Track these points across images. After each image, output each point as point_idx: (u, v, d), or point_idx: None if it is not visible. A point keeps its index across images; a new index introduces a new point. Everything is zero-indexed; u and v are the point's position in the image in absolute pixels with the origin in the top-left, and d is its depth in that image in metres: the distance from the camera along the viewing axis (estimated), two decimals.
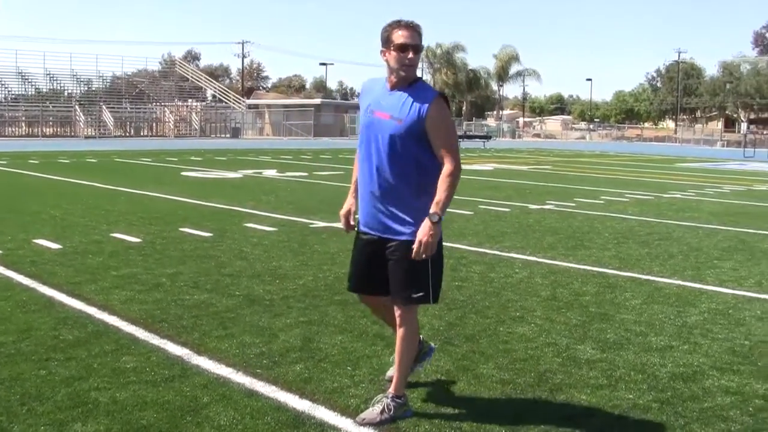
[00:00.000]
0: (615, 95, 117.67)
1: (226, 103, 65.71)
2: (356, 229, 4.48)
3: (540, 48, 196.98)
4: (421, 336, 4.82)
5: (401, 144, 4.13)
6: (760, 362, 5.38)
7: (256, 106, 73.82)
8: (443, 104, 4.17)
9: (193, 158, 29.60)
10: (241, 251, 9.24)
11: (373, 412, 4.17)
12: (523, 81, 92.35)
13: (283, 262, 8.58)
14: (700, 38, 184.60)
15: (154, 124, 59.66)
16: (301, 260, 8.74)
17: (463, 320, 6.32)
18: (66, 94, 59.94)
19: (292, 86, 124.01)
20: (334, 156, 33.95)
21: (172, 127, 58.82)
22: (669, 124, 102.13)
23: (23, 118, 55.50)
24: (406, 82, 4.21)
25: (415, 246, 4.08)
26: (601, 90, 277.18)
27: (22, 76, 60.40)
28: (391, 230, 4.23)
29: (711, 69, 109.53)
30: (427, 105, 4.10)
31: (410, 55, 4.14)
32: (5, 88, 58.97)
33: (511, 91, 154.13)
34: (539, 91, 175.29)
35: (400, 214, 4.20)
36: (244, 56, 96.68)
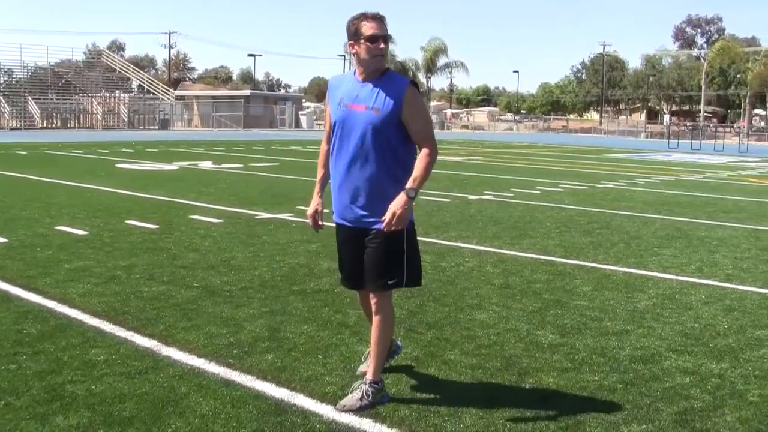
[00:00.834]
0: (540, 87, 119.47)
1: (154, 94, 64.67)
2: (335, 223, 4.54)
3: (467, 40, 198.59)
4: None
5: (379, 134, 4.22)
6: (711, 344, 5.63)
7: (184, 98, 72.84)
8: (416, 91, 4.29)
9: (124, 150, 29.13)
10: (191, 243, 9.20)
11: (352, 398, 4.26)
12: (450, 73, 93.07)
13: (235, 254, 8.59)
14: (624, 32, 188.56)
15: (81, 116, 58.37)
16: (253, 251, 8.75)
17: (423, 308, 6.44)
18: None
19: (219, 77, 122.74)
20: (266, 147, 33.80)
21: (100, 118, 57.66)
22: (594, 115, 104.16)
23: None
24: (377, 72, 4.30)
25: (387, 216, 4.11)
26: (527, 82, 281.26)
27: None
28: (369, 221, 4.32)
29: (634, 62, 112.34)
30: (402, 93, 4.22)
31: (381, 45, 4.23)
32: None
33: (437, 83, 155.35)
34: (466, 83, 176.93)
35: (377, 204, 4.28)
36: (171, 47, 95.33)
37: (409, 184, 4.19)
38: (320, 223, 4.62)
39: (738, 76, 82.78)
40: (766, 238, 10.76)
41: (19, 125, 51.90)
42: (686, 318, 6.31)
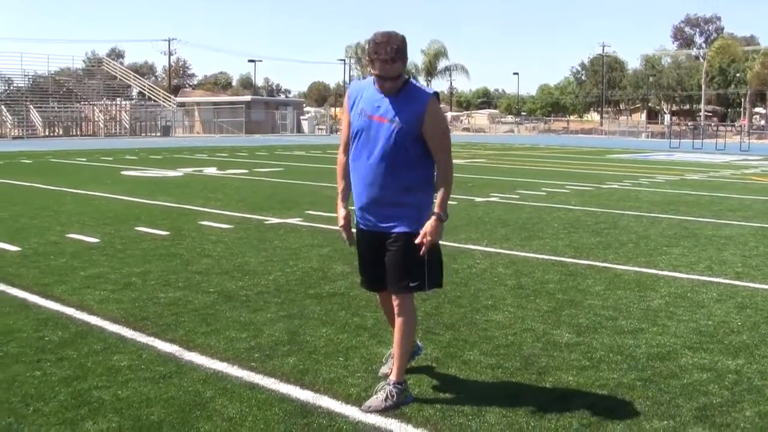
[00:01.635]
0: (540, 89, 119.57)
1: (155, 101, 64.75)
2: (357, 227, 4.60)
3: (467, 43, 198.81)
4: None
5: (400, 146, 4.28)
6: (725, 341, 5.68)
7: (184, 104, 72.93)
8: (438, 105, 4.35)
9: (128, 157, 29.20)
10: (204, 249, 9.26)
11: (377, 399, 4.32)
12: (450, 76, 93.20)
13: (248, 259, 8.64)
14: (623, 32, 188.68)
15: (83, 124, 58.46)
16: (265, 256, 8.81)
17: (440, 310, 6.49)
18: None
19: (219, 83, 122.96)
20: (270, 153, 33.86)
21: (102, 126, 57.75)
22: (594, 116, 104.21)
23: None
24: (398, 85, 4.32)
25: (424, 242, 4.28)
26: (527, 84, 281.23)
27: None
28: (390, 225, 4.39)
29: (633, 62, 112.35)
30: (424, 107, 4.27)
31: (388, 84, 4.25)
32: None
33: (438, 85, 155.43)
34: (466, 85, 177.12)
35: (397, 210, 4.36)
36: (170, 53, 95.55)
37: (436, 208, 4.34)
38: (353, 230, 4.66)
39: (738, 75, 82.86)
40: None
41: (21, 134, 51.97)
42: (699, 316, 6.36)
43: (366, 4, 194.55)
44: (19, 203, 13.86)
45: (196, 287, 7.23)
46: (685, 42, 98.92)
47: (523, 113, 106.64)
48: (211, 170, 22.84)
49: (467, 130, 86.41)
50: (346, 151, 4.56)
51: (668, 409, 4.33)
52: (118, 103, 61.40)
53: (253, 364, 5.05)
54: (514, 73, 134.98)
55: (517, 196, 15.58)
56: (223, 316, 6.24)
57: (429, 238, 4.29)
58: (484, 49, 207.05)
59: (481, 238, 10.24)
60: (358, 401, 4.39)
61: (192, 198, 14.93)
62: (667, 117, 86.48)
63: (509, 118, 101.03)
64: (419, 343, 5.12)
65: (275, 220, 11.61)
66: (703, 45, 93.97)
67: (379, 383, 4.51)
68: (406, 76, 4.36)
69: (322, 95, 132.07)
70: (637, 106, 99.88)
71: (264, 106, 73.72)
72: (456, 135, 73.77)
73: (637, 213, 13.05)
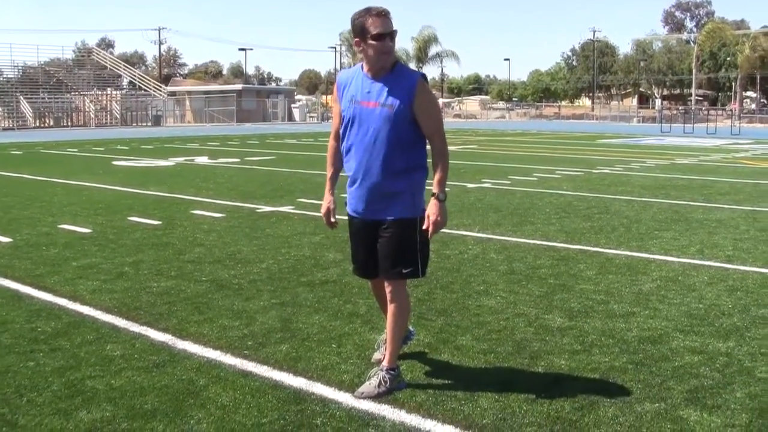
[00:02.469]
0: (531, 74, 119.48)
1: (146, 90, 64.52)
2: (348, 215, 4.61)
3: (458, 29, 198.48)
4: None
5: (392, 129, 4.28)
6: (716, 323, 5.71)
7: (175, 93, 72.68)
8: (427, 85, 4.36)
9: (119, 147, 29.11)
10: (196, 238, 9.26)
11: (370, 385, 4.33)
12: (441, 62, 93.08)
13: (240, 247, 8.65)
14: (614, 17, 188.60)
15: (74, 114, 58.23)
16: (257, 245, 8.81)
17: (431, 295, 6.51)
18: None
19: (209, 72, 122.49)
20: (261, 141, 33.77)
21: (92, 116, 57.53)
22: (585, 101, 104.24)
23: None
24: (386, 68, 4.34)
25: (428, 226, 4.30)
26: (518, 70, 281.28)
27: None
28: (383, 212, 4.39)
29: (624, 47, 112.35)
30: (413, 88, 4.27)
31: (388, 42, 4.27)
32: None
33: (429, 72, 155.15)
34: (457, 71, 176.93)
35: (390, 198, 4.37)
36: (160, 43, 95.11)
37: (435, 189, 4.34)
38: (333, 220, 4.67)
39: (728, 59, 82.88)
40: (763, 219, 10.85)
41: (11, 125, 51.75)
42: (690, 299, 6.39)
43: None
44: (10, 194, 13.82)
45: (188, 276, 7.24)
46: (676, 26, 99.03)
47: (514, 99, 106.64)
48: (203, 159, 22.79)
49: (458, 116, 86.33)
50: (337, 138, 4.57)
51: (660, 391, 4.36)
52: (109, 93, 61.14)
53: (246, 351, 5.06)
54: (505, 59, 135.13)
55: (509, 182, 15.60)
56: (215, 304, 6.25)
57: (433, 219, 4.29)
58: (475, 35, 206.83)
59: (473, 224, 10.26)
60: (351, 388, 4.41)
61: (184, 187, 14.90)
62: (658, 102, 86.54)
63: (501, 104, 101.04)
64: (411, 328, 5.13)
65: (267, 209, 11.60)
66: (694, 29, 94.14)
67: (371, 369, 4.53)
68: (396, 59, 4.36)
69: (313, 83, 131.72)
70: (629, 91, 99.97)
71: (255, 94, 73.46)
72: (447, 121, 73.67)
73: (629, 197, 13.08)
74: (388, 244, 4.38)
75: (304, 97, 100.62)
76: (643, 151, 26.29)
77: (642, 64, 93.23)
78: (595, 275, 7.24)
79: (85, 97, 58.70)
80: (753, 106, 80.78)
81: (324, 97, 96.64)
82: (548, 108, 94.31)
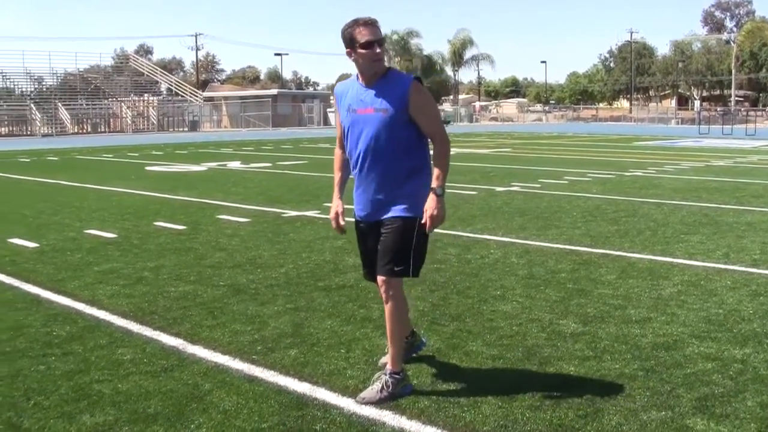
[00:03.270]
0: (569, 77, 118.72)
1: (182, 96, 65.18)
2: (355, 219, 4.61)
3: (494, 32, 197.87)
4: (414, 329, 5.00)
5: (389, 133, 4.31)
6: (734, 329, 5.61)
7: (212, 99, 73.31)
8: (421, 86, 4.38)
9: (154, 153, 29.41)
10: (218, 243, 9.31)
11: (372, 390, 4.31)
12: (478, 65, 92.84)
13: (261, 252, 8.67)
14: (652, 18, 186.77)
15: (111, 120, 59.02)
16: (279, 249, 8.83)
17: (447, 300, 6.48)
18: (19, 92, 59.03)
19: (247, 77, 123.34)
20: (294, 146, 33.92)
21: (129, 122, 58.24)
22: (623, 103, 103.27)
23: None
24: (378, 75, 4.37)
25: (426, 220, 4.28)
26: (555, 72, 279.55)
27: None
28: (384, 213, 4.41)
29: (663, 48, 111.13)
30: (406, 90, 4.29)
31: (377, 50, 4.29)
32: None
33: (466, 75, 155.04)
34: (493, 74, 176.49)
35: (394, 199, 4.38)
36: (197, 48, 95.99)
37: (434, 183, 4.32)
38: (342, 223, 4.67)
39: None
40: None
41: (50, 132, 52.54)
42: (710, 304, 6.28)
43: None
44: (42, 200, 14.02)
45: (206, 281, 7.27)
46: (716, 26, 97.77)
47: (551, 102, 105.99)
48: (235, 164, 22.94)
49: (495, 119, 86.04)
50: (342, 146, 4.62)
51: (668, 399, 4.28)
52: (146, 99, 61.86)
53: (254, 356, 5.06)
54: (542, 62, 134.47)
55: (539, 185, 15.49)
56: (230, 309, 6.27)
57: (431, 212, 4.27)
58: (511, 38, 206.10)
59: (497, 228, 10.20)
60: (354, 393, 4.39)
61: (213, 192, 15.00)
62: (697, 103, 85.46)
63: (538, 107, 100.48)
64: (423, 338, 5.11)
65: (293, 213, 11.63)
66: (734, 29, 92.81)
67: (377, 373, 4.51)
68: (388, 66, 4.38)
69: None
70: (667, 92, 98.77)
71: (290, 99, 73.89)
72: (483, 125, 73.56)
73: (658, 200, 12.92)
74: (385, 241, 4.39)
75: None
76: (678, 154, 25.97)
77: (680, 65, 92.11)
78: (615, 280, 7.15)
79: (122, 104, 59.44)
80: None
81: None
82: (586, 110, 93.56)
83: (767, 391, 4.41)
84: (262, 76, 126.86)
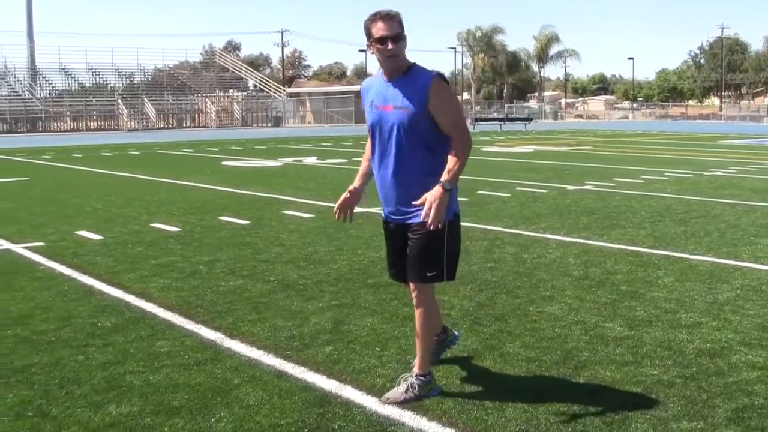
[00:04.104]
0: (658, 74, 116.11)
1: (266, 92, 66.11)
2: (382, 219, 4.57)
3: (580, 28, 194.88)
4: (446, 324, 4.93)
5: (410, 131, 4.21)
6: None
7: (297, 95, 74.16)
8: (442, 83, 4.23)
9: (233, 148, 29.90)
10: (278, 238, 9.38)
11: (397, 391, 4.27)
12: (564, 62, 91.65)
13: (318, 248, 8.70)
14: (744, 13, 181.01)
15: (196, 116, 60.29)
16: (336, 245, 8.85)
17: (494, 300, 6.38)
18: (109, 88, 60.81)
19: (333, 73, 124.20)
20: None
21: (214, 117, 59.37)
22: (714, 101, 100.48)
23: (68, 113, 56.43)
24: (400, 71, 4.26)
25: (425, 209, 4.07)
26: (644, 69, 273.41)
27: (65, 71, 61.39)
28: (409, 215, 4.33)
29: (756, 44, 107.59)
30: (426, 88, 4.17)
31: (390, 46, 4.17)
32: (49, 83, 60.03)
33: (553, 72, 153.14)
34: (581, 71, 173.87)
35: (417, 198, 4.27)
36: (284, 45, 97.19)
37: (444, 177, 4.15)
38: (339, 203, 4.67)
39: None
40: None
41: (136, 126, 53.96)
42: None
43: None
44: (115, 193, 14.37)
45: (258, 276, 7.33)
46: None
47: (639, 99, 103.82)
48: (311, 160, 23.12)
49: (580, 116, 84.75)
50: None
51: (702, 409, 4.11)
52: (231, 94, 62.96)
53: (288, 352, 5.07)
54: (629, 58, 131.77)
55: (613, 184, 15.16)
56: (275, 304, 6.30)
57: (430, 201, 4.05)
58: (599, 33, 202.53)
59: (561, 227, 10.01)
60: (381, 392, 4.35)
61: (283, 188, 15.14)
62: None
63: (625, 104, 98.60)
64: (456, 333, 5.04)
65: (358, 210, 11.58)
66: None
67: (403, 374, 4.46)
68: (412, 62, 4.29)
69: None
70: (760, 89, 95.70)
71: None
72: (567, 122, 72.55)
73: (734, 201, 12.50)
74: (415, 246, 4.30)
75: None
76: (765, 153, 25.10)
77: None
78: (672, 282, 6.93)
79: (207, 99, 60.61)
80: None
81: None
82: (675, 108, 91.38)
83: None
84: (348, 73, 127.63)
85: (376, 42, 4.17)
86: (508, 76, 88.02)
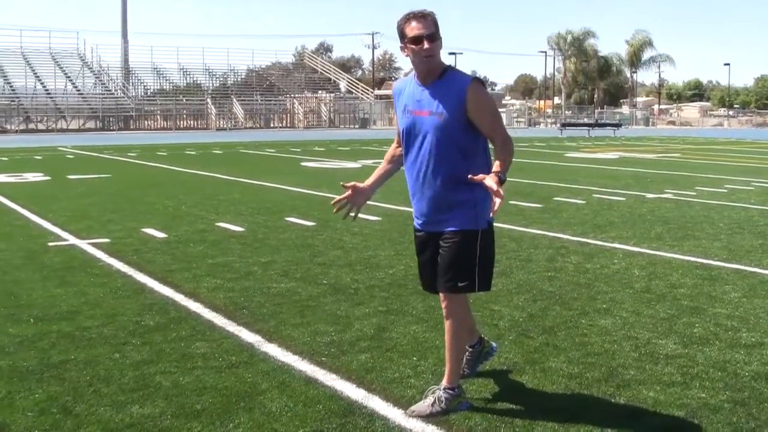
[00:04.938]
0: (757, 80, 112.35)
1: (354, 94, 66.50)
2: (414, 229, 4.42)
3: (676, 32, 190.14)
4: (483, 336, 4.77)
5: (446, 138, 4.05)
6: None
7: (387, 97, 74.33)
8: (480, 88, 4.06)
9: (316, 149, 30.09)
10: (340, 240, 9.31)
11: (424, 404, 4.12)
12: (659, 67, 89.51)
13: (378, 252, 8.60)
14: None
15: (283, 116, 61.07)
16: (397, 250, 8.73)
17: (546, 312, 6.16)
18: (203, 87, 62.15)
19: None
20: None
21: (301, 118, 60.01)
22: None
23: (158, 112, 57.87)
24: (435, 74, 4.10)
25: (495, 204, 3.80)
26: (742, 75, 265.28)
27: (156, 71, 63.01)
28: (442, 223, 4.17)
29: None
30: (464, 93, 4.00)
31: (426, 45, 4.00)
32: (141, 83, 61.70)
33: (647, 77, 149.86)
34: (676, 77, 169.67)
35: (452, 208, 4.13)
36: (374, 47, 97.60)
37: (496, 168, 3.94)
38: (342, 195, 4.53)
39: None
40: None
41: (224, 126, 54.94)
42: None
43: None
44: (190, 192, 14.57)
45: (311, 279, 7.26)
46: None
47: (735, 106, 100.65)
48: None
49: (672, 123, 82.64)
50: (399, 143, 4.39)
51: None
52: (319, 95, 63.57)
53: (323, 359, 4.97)
54: (725, 64, 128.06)
55: (694, 193, 14.63)
56: (321, 308, 6.22)
57: (496, 189, 3.77)
58: (694, 39, 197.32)
59: (631, 237, 9.67)
60: (409, 404, 4.21)
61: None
62: None
63: (721, 111, 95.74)
64: (494, 344, 4.86)
65: None
66: None
67: (431, 387, 4.31)
68: (447, 65, 4.13)
69: (528, 87, 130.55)
70: None
71: None
72: (659, 129, 70.80)
73: None
74: (446, 255, 4.15)
75: (517, 102, 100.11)
76: None
77: None
78: (738, 298, 6.58)
79: (295, 100, 61.31)
80: None
81: (538, 102, 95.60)
82: None
83: None
84: None
85: (410, 42, 4.02)
86: (600, 81, 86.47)
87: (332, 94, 66.75)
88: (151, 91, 61.93)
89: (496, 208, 3.83)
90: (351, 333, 5.54)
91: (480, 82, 4.08)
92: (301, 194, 14.42)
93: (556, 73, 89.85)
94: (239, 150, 28.99)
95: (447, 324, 4.20)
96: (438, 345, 5.29)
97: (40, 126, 53.61)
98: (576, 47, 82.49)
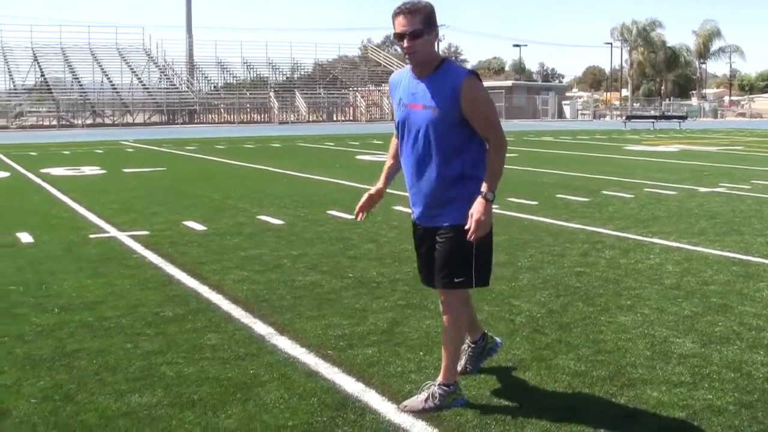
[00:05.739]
0: None
1: None
2: (412, 223, 4.40)
3: (746, 22, 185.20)
4: (487, 332, 4.73)
5: (440, 132, 4.01)
6: None
7: None
8: (475, 82, 3.99)
9: (374, 142, 30.11)
10: (377, 234, 9.31)
11: (417, 399, 4.11)
12: (730, 58, 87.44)
13: (410, 245, 8.55)
14: None
15: (346, 109, 61.35)
16: None
17: (566, 308, 6.07)
18: (268, 81, 62.80)
19: (491, 68, 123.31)
20: (517, 138, 33.41)
21: (363, 111, 60.19)
22: None
23: (222, 106, 58.68)
24: (430, 67, 4.04)
25: (470, 224, 3.92)
26: None
27: (220, 65, 63.86)
28: (438, 218, 4.14)
29: None
30: (458, 87, 3.94)
31: (405, 43, 3.95)
32: (205, 77, 62.62)
33: (718, 68, 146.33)
34: (748, 68, 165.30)
35: (447, 203, 4.10)
36: (439, 39, 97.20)
37: (484, 188, 3.97)
38: (361, 203, 4.52)
39: None
40: None
41: (286, 119, 55.43)
42: None
43: None
44: (237, 185, 14.74)
45: (338, 272, 7.28)
46: None
47: None
48: None
49: (742, 115, 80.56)
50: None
51: None
52: (382, 88, 63.63)
53: (329, 352, 4.99)
54: None
55: (749, 187, 14.25)
56: (340, 302, 6.23)
57: (477, 216, 3.89)
58: (764, 28, 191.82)
59: (673, 231, 9.47)
60: (405, 399, 4.19)
61: (403, 182, 15.04)
62: None
63: None
64: (498, 339, 4.81)
65: None
66: None
67: (426, 382, 4.28)
68: (443, 57, 4.08)
69: (597, 79, 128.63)
70: None
71: (525, 91, 73.23)
72: (727, 120, 69.10)
73: None
74: (442, 250, 4.12)
75: (585, 94, 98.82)
76: None
77: None
78: None
79: (358, 93, 61.51)
80: None
81: (606, 94, 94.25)
82: None
83: None
84: (506, 68, 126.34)
85: (395, 37, 4.01)
86: (667, 73, 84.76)
87: None
88: (217, 85, 62.81)
89: (471, 237, 3.88)
90: (364, 326, 5.55)
91: (476, 77, 4.01)
92: (348, 187, 14.46)
93: (623, 65, 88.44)
94: (298, 143, 29.20)
95: (444, 320, 4.18)
96: None
97: (107, 120, 54.83)
98: (642, 38, 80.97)
